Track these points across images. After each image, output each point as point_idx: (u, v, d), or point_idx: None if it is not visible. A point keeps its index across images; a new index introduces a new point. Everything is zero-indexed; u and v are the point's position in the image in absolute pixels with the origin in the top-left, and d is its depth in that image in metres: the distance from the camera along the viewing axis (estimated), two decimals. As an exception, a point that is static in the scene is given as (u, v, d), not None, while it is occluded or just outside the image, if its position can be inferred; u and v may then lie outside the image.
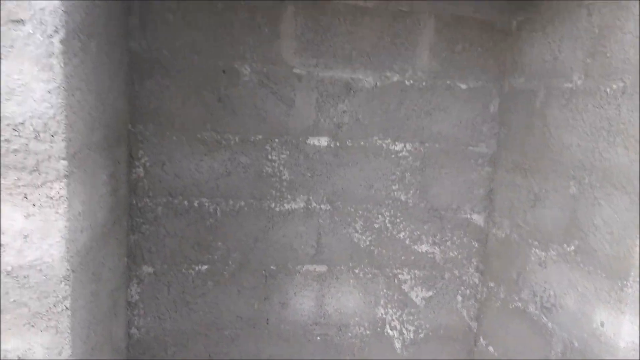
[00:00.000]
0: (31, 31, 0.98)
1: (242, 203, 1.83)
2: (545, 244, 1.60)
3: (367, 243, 1.92)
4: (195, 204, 1.81)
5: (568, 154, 1.50)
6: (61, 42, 1.00)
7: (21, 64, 0.99)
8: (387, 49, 1.79)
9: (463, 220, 1.95)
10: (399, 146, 1.87)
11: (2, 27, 0.98)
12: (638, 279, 1.25)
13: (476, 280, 2.01)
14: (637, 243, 1.25)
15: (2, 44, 0.98)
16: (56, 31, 0.99)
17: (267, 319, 1.93)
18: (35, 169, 1.03)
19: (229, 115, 1.77)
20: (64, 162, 1.04)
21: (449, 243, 1.97)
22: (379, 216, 1.91)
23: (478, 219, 1.96)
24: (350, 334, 1.98)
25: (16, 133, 1.01)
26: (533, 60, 1.70)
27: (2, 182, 1.02)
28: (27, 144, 1.02)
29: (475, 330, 2.04)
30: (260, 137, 1.80)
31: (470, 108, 1.88)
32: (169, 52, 1.69)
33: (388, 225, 1.92)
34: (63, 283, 1.09)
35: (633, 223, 1.26)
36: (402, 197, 1.91)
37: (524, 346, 1.70)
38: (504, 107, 1.87)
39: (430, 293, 2.00)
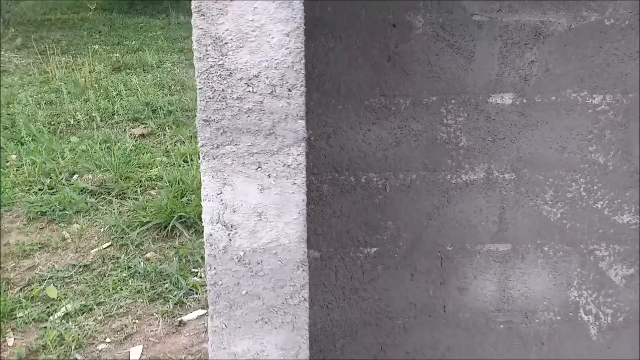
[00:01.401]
0: (267, -41, 0.79)
1: (414, 176, 1.62)
2: None
3: (558, 216, 1.66)
4: (363, 180, 1.61)
5: None
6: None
7: (254, 2, 0.80)
8: (585, -17, 1.51)
9: (674, 183, 1.65)
10: (597, 99, 1.58)
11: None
12: None
13: (687, 254, 1.70)
14: None
15: (230, -21, 0.80)
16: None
17: (444, 306, 1.71)
18: (271, 131, 0.85)
19: (399, 76, 1.55)
20: (302, 122, 0.86)
21: (656, 211, 1.67)
22: (573, 184, 1.64)
23: (691, 181, 1.65)
24: (537, 321, 1.73)
25: (249, 89, 0.83)
26: None
27: (235, 150, 0.84)
28: (261, 102, 0.84)
29: (686, 312, 1.73)
30: (434, 98, 1.57)
31: (684, 47, 1.56)
32: (333, 7, 1.49)
33: (583, 193, 1.64)
34: (301, 269, 0.91)
35: None
36: (601, 160, 1.62)
37: None
38: None
39: (632, 270, 1.71)
